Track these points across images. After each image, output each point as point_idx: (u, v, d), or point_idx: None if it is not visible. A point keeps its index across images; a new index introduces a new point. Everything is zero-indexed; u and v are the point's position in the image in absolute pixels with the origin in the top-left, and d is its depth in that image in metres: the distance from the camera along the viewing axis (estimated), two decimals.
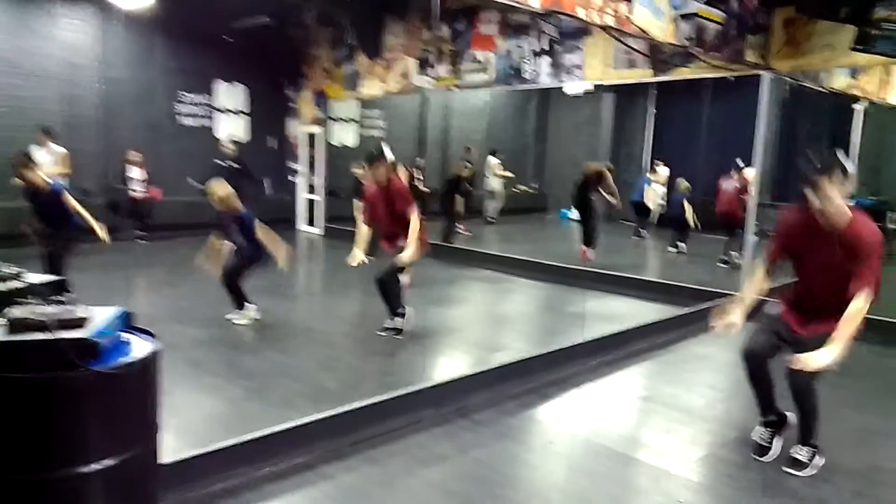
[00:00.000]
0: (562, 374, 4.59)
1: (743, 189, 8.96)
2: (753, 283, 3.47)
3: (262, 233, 5.56)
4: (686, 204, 10.38)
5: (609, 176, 9.71)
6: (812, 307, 3.29)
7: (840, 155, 3.11)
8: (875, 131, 11.35)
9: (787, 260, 3.39)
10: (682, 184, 10.66)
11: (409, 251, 5.14)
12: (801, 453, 3.29)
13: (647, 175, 12.61)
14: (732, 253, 9.07)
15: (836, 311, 3.07)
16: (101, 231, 5.85)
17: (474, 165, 12.52)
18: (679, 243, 10.47)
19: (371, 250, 8.24)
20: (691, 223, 10.33)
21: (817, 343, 3.04)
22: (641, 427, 3.98)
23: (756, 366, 3.35)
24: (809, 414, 3.24)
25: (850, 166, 3.06)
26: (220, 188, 5.57)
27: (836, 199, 3.02)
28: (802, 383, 3.13)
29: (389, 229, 5.42)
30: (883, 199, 11.15)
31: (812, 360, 2.93)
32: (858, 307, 2.98)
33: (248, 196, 9.36)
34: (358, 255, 5.33)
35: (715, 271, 8.89)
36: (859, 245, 3.04)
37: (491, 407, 3.98)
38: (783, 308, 3.44)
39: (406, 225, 5.25)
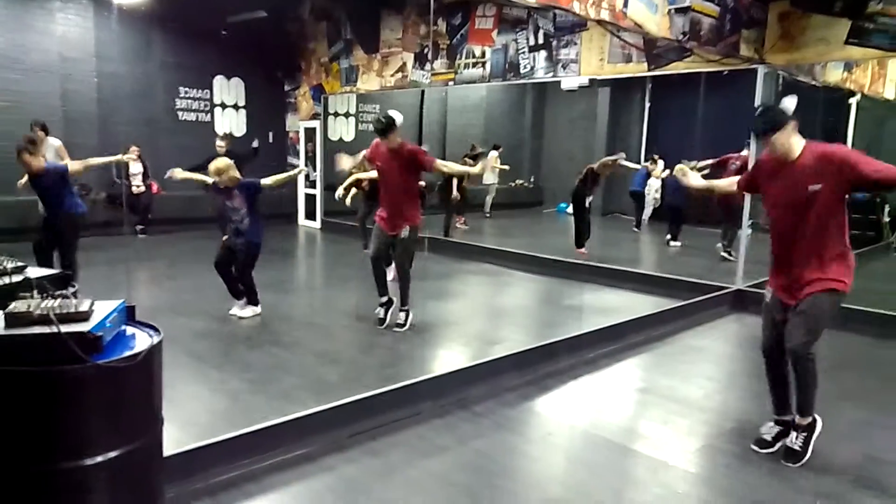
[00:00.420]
0: (560, 367, 4.62)
1: (741, 169, 8.91)
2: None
3: (273, 179, 5.59)
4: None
5: (605, 166, 9.66)
6: (791, 258, 3.28)
7: (784, 103, 3.23)
8: (869, 125, 11.37)
9: (754, 190, 3.56)
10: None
11: (477, 167, 5.78)
12: (794, 443, 3.33)
13: (646, 164, 12.55)
14: (724, 248, 9.07)
15: (814, 258, 3.19)
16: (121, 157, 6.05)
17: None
18: (674, 240, 10.46)
19: (365, 241, 8.33)
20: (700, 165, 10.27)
21: (810, 304, 3.17)
22: (639, 418, 4.01)
23: (774, 358, 3.40)
24: (807, 383, 3.26)
25: (792, 104, 3.20)
26: (217, 161, 5.56)
27: (793, 143, 3.18)
28: (798, 350, 3.18)
29: (397, 200, 5.33)
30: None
31: None
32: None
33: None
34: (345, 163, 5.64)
35: (711, 265, 8.92)
36: (833, 160, 3.11)
37: (490, 399, 4.01)
38: (770, 281, 3.45)
39: (412, 199, 5.36)
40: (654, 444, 3.54)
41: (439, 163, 5.39)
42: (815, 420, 3.36)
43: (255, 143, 10.32)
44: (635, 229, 12.12)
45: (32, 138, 6.12)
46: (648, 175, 12.24)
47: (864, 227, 10.13)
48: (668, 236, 10.56)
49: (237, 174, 5.50)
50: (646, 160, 13.37)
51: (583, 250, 9.09)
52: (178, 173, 5.88)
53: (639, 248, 11.28)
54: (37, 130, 8.44)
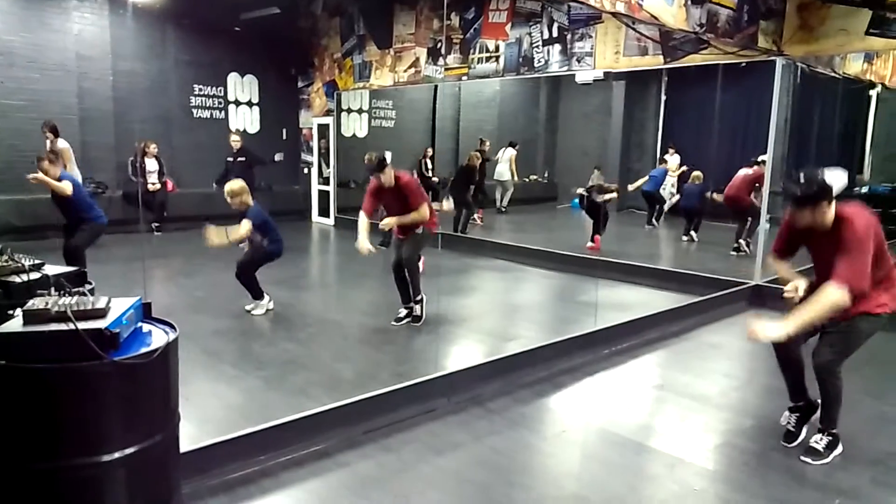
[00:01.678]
0: (575, 363, 4.60)
1: (754, 180, 8.89)
2: (781, 268, 3.50)
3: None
4: (704, 195, 10.30)
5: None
6: None
7: (824, 175, 3.10)
8: (889, 117, 11.21)
9: (793, 249, 3.45)
10: (696, 175, 10.54)
11: (393, 220, 5.27)
12: (818, 443, 3.30)
13: (665, 167, 12.31)
14: (742, 241, 9.01)
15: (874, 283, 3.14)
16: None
17: (487, 155, 12.52)
18: (691, 232, 10.40)
19: (384, 239, 8.41)
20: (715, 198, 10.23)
21: (844, 328, 3.17)
22: (655, 415, 3.98)
23: (784, 352, 3.38)
24: (831, 399, 3.27)
25: (835, 181, 3.11)
26: (231, 184, 5.61)
27: (828, 214, 3.09)
28: (825, 367, 3.19)
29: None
30: None
31: (764, 330, 2.97)
32: (825, 295, 2.94)
33: (260, 188, 9.48)
34: (365, 245, 5.31)
35: (727, 259, 8.84)
36: (841, 238, 3.04)
37: (504, 395, 4.00)
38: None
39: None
40: (671, 441, 3.51)
41: (421, 213, 5.32)
42: (838, 437, 3.34)
43: (278, 157, 10.49)
44: (648, 226, 11.97)
45: (52, 150, 6.22)
46: (665, 174, 12.06)
47: (886, 222, 9.98)
48: (691, 231, 10.41)
49: (249, 200, 5.55)
50: (662, 155, 13.23)
51: (590, 244, 9.01)
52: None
53: (654, 244, 11.18)
54: (45, 131, 8.45)
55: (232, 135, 9.62)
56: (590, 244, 9.01)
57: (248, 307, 5.72)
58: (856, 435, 3.49)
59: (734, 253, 9.02)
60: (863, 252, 3.00)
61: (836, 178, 3.16)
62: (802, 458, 3.27)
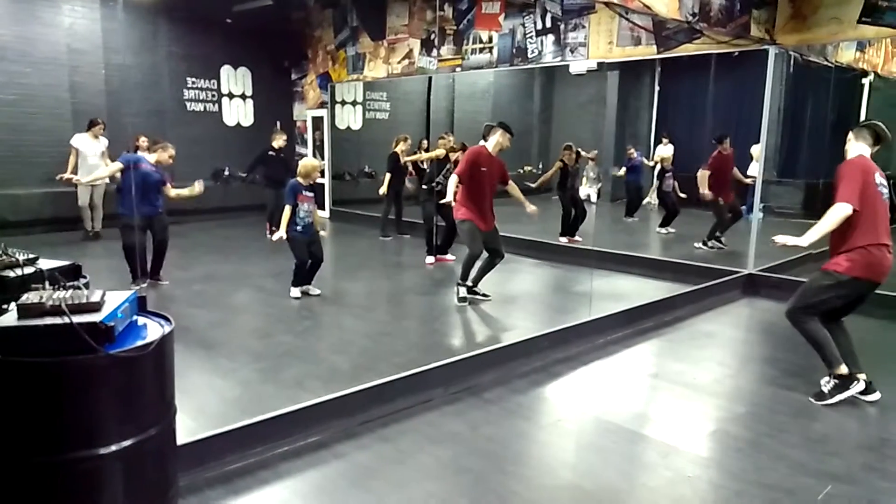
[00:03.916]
0: (570, 353, 4.62)
1: (713, 170, 8.52)
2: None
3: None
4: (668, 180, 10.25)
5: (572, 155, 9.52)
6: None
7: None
8: (882, 105, 11.21)
9: None
10: (662, 156, 10.44)
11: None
12: (825, 385, 3.72)
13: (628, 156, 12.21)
14: (708, 240, 8.80)
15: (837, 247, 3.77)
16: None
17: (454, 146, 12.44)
18: (664, 227, 10.25)
19: (384, 230, 8.43)
20: (678, 194, 10.18)
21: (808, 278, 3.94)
22: (650, 403, 4.01)
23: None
24: (812, 343, 3.80)
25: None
26: (313, 160, 6.28)
27: (848, 150, 3.83)
28: (787, 311, 3.89)
29: (489, 199, 6.15)
30: (892, 175, 11.00)
31: (785, 240, 3.60)
32: (830, 211, 3.57)
33: (256, 182, 9.43)
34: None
35: (722, 249, 8.85)
36: (838, 172, 3.71)
37: (500, 385, 4.02)
38: None
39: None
40: (665, 429, 3.54)
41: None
42: (851, 378, 3.70)
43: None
44: (634, 218, 11.93)
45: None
46: (638, 167, 11.92)
47: None
48: (661, 228, 10.36)
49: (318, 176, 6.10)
50: (656, 143, 13.19)
51: (574, 237, 9.02)
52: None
53: (645, 234, 11.20)
54: (96, 129, 8.60)
55: (277, 134, 9.53)
56: (565, 238, 9.04)
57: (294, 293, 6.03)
58: (846, 421, 3.53)
59: (723, 246, 8.87)
60: (852, 180, 3.59)
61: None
62: (810, 398, 3.62)
